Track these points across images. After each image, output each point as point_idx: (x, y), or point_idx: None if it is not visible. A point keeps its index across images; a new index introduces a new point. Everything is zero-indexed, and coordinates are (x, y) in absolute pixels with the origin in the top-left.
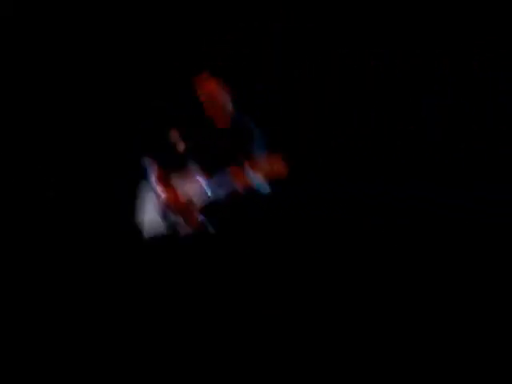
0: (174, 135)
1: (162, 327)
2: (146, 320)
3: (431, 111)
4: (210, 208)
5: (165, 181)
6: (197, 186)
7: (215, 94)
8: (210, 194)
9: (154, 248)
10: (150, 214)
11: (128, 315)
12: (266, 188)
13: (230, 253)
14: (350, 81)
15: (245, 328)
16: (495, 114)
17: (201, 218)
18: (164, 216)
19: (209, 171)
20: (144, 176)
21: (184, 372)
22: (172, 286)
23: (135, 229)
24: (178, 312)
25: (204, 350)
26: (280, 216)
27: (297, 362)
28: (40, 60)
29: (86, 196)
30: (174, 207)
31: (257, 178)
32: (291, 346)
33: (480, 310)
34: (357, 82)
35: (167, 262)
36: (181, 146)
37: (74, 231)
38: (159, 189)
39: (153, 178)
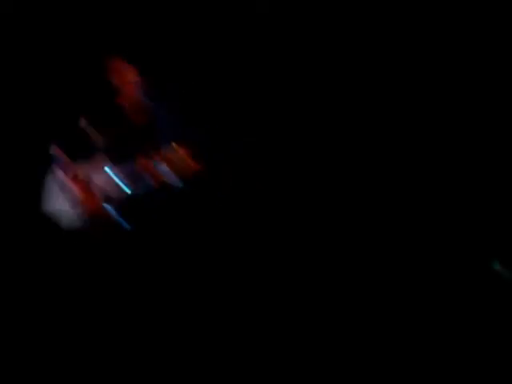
0: (82, 122)
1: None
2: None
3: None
4: (117, 198)
5: (72, 170)
6: (104, 176)
7: (126, 79)
8: (117, 183)
9: (59, 237)
10: (57, 205)
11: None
12: (175, 181)
13: (137, 241)
14: (264, 71)
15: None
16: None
17: (106, 207)
18: (70, 206)
19: (117, 161)
20: (50, 165)
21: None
22: (79, 274)
23: (40, 220)
24: (89, 304)
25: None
26: (188, 210)
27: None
28: None
29: None
30: (79, 197)
31: (166, 170)
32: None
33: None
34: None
35: (72, 251)
36: (88, 134)
37: None
38: (65, 178)
39: (59, 167)
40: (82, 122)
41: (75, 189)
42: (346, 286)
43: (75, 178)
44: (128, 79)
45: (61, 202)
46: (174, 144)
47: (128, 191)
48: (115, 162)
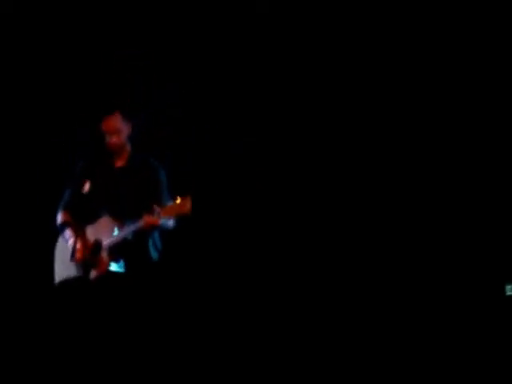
0: (80, 178)
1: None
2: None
3: None
4: (120, 250)
5: (73, 225)
6: (106, 229)
7: (119, 132)
8: (119, 236)
9: (65, 292)
10: (61, 259)
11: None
12: (173, 226)
13: (142, 294)
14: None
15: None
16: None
17: (110, 260)
18: (74, 261)
19: (117, 214)
20: (54, 221)
21: None
22: (84, 330)
23: (47, 274)
24: (95, 354)
25: None
26: (189, 253)
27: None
28: None
29: None
30: (83, 251)
31: (165, 219)
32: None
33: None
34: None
35: (78, 305)
36: (87, 190)
37: None
38: (68, 233)
39: (61, 223)
40: (87, 187)
41: (85, 253)
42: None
43: (85, 243)
44: (125, 135)
45: (72, 268)
46: (177, 198)
47: (137, 250)
48: (122, 222)
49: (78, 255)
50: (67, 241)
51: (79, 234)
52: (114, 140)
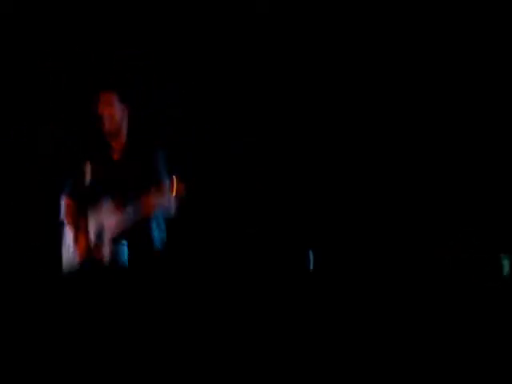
0: (79, 166)
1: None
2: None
3: None
4: (125, 237)
5: (77, 214)
6: (110, 217)
7: (114, 113)
8: (124, 222)
9: (72, 283)
10: (68, 250)
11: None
12: (172, 209)
13: (145, 281)
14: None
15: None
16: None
17: (115, 249)
18: (82, 256)
19: (117, 199)
20: (59, 211)
21: None
22: (93, 319)
23: (55, 265)
24: (101, 347)
25: None
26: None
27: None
28: None
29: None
30: (88, 241)
31: (166, 201)
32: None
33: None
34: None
35: (86, 295)
36: (87, 177)
37: None
38: (72, 223)
39: (65, 213)
40: (80, 165)
41: (86, 238)
42: (343, 285)
43: (82, 222)
44: (121, 117)
45: (73, 253)
46: (174, 178)
47: (139, 232)
48: (122, 204)
49: (81, 242)
50: (69, 228)
51: (81, 218)
52: (106, 123)
